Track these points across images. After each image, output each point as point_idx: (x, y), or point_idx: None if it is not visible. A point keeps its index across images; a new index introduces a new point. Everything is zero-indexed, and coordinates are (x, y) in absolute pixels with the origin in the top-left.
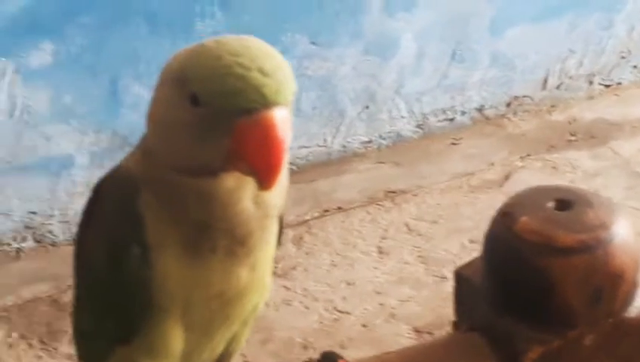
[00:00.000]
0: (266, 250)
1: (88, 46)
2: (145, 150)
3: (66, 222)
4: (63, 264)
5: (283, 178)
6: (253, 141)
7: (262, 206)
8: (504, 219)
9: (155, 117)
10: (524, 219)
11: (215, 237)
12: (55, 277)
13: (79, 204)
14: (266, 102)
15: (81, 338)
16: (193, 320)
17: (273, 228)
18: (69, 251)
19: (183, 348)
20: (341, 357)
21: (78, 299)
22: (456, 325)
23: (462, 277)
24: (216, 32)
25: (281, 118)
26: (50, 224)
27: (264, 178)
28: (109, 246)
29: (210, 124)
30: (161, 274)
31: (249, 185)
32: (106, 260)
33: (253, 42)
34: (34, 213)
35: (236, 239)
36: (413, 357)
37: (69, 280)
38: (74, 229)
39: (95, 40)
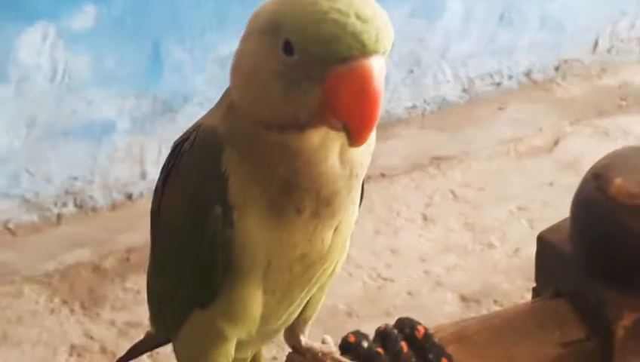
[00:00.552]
0: (350, 212)
1: (130, 9)
2: (229, 105)
3: (107, 187)
4: (103, 229)
5: (372, 135)
6: (347, 91)
7: (348, 165)
8: (596, 181)
9: (241, 69)
10: (618, 180)
11: (300, 197)
12: (96, 242)
13: (120, 169)
14: (363, 50)
15: (157, 302)
16: (274, 283)
17: (358, 189)
18: (109, 216)
19: (262, 311)
20: (419, 324)
21: (155, 262)
22: (536, 291)
23: (545, 242)
24: None
25: (378, 67)
26: (90, 189)
27: (356, 133)
28: (190, 206)
29: (303, 74)
30: (244, 235)
31: (336, 142)
32: (187, 221)
33: None
34: (75, 178)
35: (322, 200)
36: (494, 323)
37: (110, 246)
38: (115, 195)
39: (137, 2)
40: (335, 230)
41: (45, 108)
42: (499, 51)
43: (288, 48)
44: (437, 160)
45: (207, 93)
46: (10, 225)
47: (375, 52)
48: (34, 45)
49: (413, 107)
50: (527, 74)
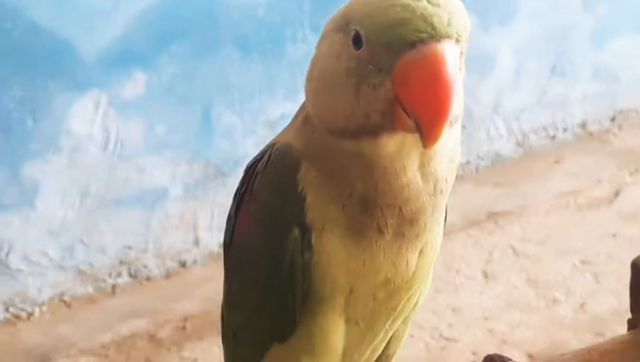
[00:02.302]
0: (435, 233)
1: (180, 75)
2: (304, 118)
3: (161, 255)
4: (158, 298)
5: (454, 149)
6: (416, 79)
7: (431, 179)
8: None
9: (314, 73)
10: None
11: (381, 215)
12: (151, 312)
13: (173, 236)
14: (435, 33)
15: (233, 338)
16: (357, 313)
17: (443, 207)
18: (164, 285)
19: (344, 344)
20: (510, 359)
21: (230, 295)
22: (631, 323)
23: None
24: (309, 55)
25: (451, 52)
26: (144, 258)
27: (428, 127)
28: (266, 229)
29: (373, 67)
30: (324, 258)
31: (414, 152)
32: (264, 245)
33: None
34: (129, 247)
35: (405, 217)
36: (591, 356)
37: (166, 315)
38: (168, 263)
39: (187, 69)
40: (420, 252)
41: (98, 177)
42: (552, 103)
43: (357, 40)
44: (494, 215)
45: None
46: (66, 298)
47: (447, 36)
48: (86, 114)
49: (467, 163)
50: (583, 125)
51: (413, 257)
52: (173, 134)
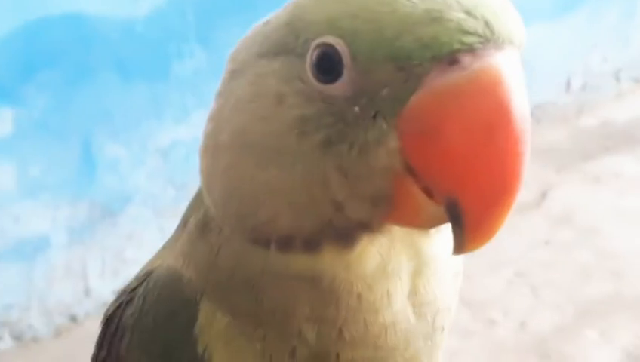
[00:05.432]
0: None
1: (53, 107)
2: (200, 225)
3: (47, 312)
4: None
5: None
6: (464, 121)
7: (428, 311)
8: None
9: (221, 139)
10: None
11: None
12: None
13: (60, 289)
14: (492, 36)
15: None
16: None
17: (443, 345)
18: (53, 345)
19: None
20: None
21: None
22: None
23: None
24: (198, 71)
25: (515, 69)
26: (28, 317)
27: (482, 214)
28: None
29: (362, 107)
30: None
31: (404, 266)
32: None
33: None
34: (9, 306)
35: None
36: None
37: None
38: (57, 319)
39: (60, 99)
40: None
41: None
42: None
43: (328, 64)
44: None
45: (150, 190)
46: None
47: (510, 41)
48: None
49: None
50: None
51: None
52: (51, 174)
